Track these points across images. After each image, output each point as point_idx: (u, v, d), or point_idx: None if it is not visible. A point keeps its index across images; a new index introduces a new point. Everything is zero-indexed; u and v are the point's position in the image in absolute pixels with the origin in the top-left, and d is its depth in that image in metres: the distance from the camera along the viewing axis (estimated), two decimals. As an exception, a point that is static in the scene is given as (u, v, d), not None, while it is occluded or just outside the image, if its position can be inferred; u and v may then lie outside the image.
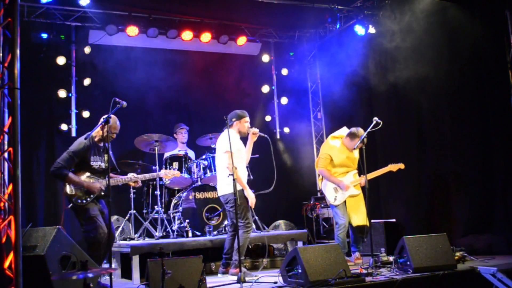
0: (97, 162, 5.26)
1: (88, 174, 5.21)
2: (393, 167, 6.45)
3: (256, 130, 5.73)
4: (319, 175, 6.77)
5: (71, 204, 5.10)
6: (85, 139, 5.16)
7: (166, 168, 6.90)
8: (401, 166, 6.47)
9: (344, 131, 6.55)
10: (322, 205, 8.53)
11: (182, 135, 7.68)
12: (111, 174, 5.36)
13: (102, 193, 5.25)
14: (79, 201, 5.09)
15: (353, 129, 6.38)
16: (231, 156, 5.18)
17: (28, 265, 3.97)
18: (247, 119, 5.78)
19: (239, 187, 5.52)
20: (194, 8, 8.03)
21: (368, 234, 6.09)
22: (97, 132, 5.28)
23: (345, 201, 6.36)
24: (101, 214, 5.20)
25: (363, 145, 5.83)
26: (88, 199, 5.13)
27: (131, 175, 5.51)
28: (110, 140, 5.18)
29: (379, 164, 8.07)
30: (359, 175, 6.43)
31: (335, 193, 6.40)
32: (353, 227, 6.31)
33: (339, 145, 6.47)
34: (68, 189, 5.10)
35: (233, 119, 5.72)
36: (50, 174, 5.13)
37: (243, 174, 5.64)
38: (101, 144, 5.35)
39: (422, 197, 7.48)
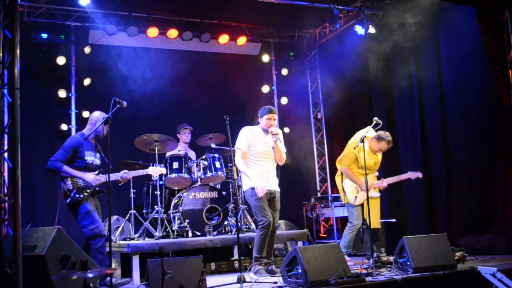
0: (90, 157, 5.35)
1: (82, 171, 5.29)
2: (412, 175, 6.29)
3: (274, 129, 5.49)
4: (338, 172, 6.57)
5: (69, 199, 5.17)
6: (79, 135, 5.32)
7: (166, 168, 6.90)
8: (419, 175, 6.31)
9: (369, 131, 6.16)
10: (322, 205, 8.53)
11: (186, 135, 7.68)
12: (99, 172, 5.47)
13: (97, 188, 5.34)
14: (77, 195, 5.18)
15: (381, 132, 6.18)
16: (234, 154, 5.36)
17: (28, 265, 3.97)
18: (268, 116, 5.53)
19: (247, 186, 5.51)
20: (194, 8, 8.03)
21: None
22: (89, 130, 5.38)
23: (362, 203, 6.29)
24: (96, 210, 5.32)
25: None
26: (86, 193, 5.23)
27: (121, 172, 5.55)
28: (101, 139, 5.43)
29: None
30: (378, 179, 6.36)
31: (356, 193, 6.27)
32: (370, 229, 6.21)
33: (367, 147, 6.20)
34: (66, 184, 5.19)
35: (258, 115, 5.66)
36: (46, 169, 5.24)
37: (259, 172, 5.51)
38: (94, 142, 5.46)
39: (422, 197, 7.48)
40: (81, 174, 5.23)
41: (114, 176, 5.43)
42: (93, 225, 5.12)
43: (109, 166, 4.90)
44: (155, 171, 6.07)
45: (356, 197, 6.22)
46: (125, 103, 4.98)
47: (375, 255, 5.61)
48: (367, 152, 6.11)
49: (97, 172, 5.38)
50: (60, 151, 5.25)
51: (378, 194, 6.24)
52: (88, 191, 5.25)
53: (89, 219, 5.16)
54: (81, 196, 5.20)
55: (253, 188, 5.43)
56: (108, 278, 5.09)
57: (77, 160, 5.28)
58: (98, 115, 5.45)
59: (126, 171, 5.61)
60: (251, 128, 5.63)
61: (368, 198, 5.66)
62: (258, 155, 5.53)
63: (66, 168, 5.19)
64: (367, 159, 5.97)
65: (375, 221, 6.12)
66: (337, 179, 6.52)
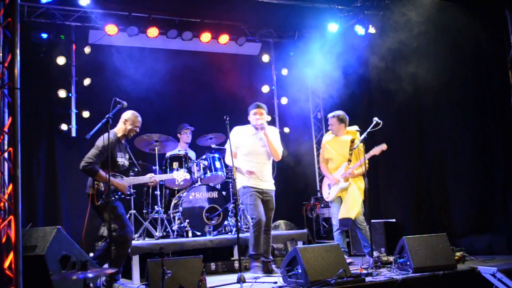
0: (122, 159, 5.28)
1: (112, 172, 5.16)
2: (376, 150, 6.14)
3: (259, 122, 5.64)
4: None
5: (101, 201, 5.03)
6: (112, 135, 5.14)
7: (166, 168, 6.92)
8: (383, 147, 6.13)
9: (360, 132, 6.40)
10: (322, 205, 8.53)
11: (187, 135, 7.67)
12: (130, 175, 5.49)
13: (128, 192, 5.29)
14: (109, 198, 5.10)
15: (341, 113, 6.38)
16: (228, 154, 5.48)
17: (28, 265, 3.97)
18: (255, 111, 5.73)
19: (240, 185, 5.56)
20: (194, 8, 8.02)
21: (364, 232, 6.09)
22: (119, 129, 5.33)
23: (341, 199, 6.28)
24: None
25: (363, 144, 5.78)
26: (117, 196, 5.18)
27: (149, 176, 5.52)
28: (133, 134, 5.42)
29: (378, 163, 8.10)
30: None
31: (328, 188, 6.36)
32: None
33: (330, 138, 6.42)
34: (100, 185, 5.07)
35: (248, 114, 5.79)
36: (81, 170, 5.02)
37: (246, 168, 5.58)
38: (123, 141, 5.40)
39: (422, 197, 7.48)
40: (116, 183, 5.10)
41: (142, 179, 5.43)
42: (123, 231, 4.99)
43: (109, 166, 4.89)
44: (180, 176, 6.04)
45: (329, 193, 6.27)
46: (125, 103, 4.99)
47: (374, 254, 5.62)
48: (330, 142, 6.30)
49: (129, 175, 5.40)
50: (96, 151, 5.06)
51: (346, 184, 6.20)
52: (120, 193, 5.20)
53: (120, 223, 5.04)
54: (113, 198, 5.12)
55: (244, 187, 5.54)
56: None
57: (109, 161, 5.14)
58: (130, 114, 5.40)
59: (152, 175, 5.58)
60: (240, 128, 5.72)
61: (365, 195, 5.68)
62: (248, 154, 5.58)
63: (102, 172, 5.00)
64: (330, 150, 6.26)
65: (343, 211, 6.08)
66: None
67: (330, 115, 6.51)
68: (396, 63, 7.95)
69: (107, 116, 5.00)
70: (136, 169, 5.65)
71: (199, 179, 6.96)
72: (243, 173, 5.60)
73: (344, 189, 6.21)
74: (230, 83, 8.91)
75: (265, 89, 9.44)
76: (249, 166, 5.59)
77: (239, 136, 5.66)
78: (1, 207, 3.89)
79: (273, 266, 5.54)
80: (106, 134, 5.07)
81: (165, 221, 6.74)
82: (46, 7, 7.37)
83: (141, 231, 6.56)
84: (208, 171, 6.98)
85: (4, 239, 3.80)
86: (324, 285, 4.36)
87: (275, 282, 4.86)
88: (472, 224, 6.74)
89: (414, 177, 7.62)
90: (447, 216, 7.10)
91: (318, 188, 9.57)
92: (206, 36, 8.32)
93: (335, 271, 4.47)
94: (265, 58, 9.36)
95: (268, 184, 5.71)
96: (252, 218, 5.45)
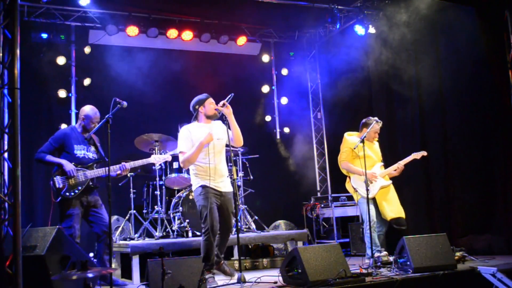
0: (81, 151, 5.30)
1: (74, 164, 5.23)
2: (417, 155, 6.20)
3: (223, 101, 5.02)
4: (347, 179, 6.46)
5: (59, 198, 5.11)
6: (68, 128, 5.34)
7: (166, 168, 6.91)
8: (424, 153, 6.22)
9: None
10: (322, 205, 8.53)
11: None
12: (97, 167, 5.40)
13: (91, 184, 5.26)
14: (67, 194, 5.11)
15: (364, 120, 6.21)
16: (234, 154, 4.98)
17: (28, 265, 3.97)
18: (210, 100, 5.19)
19: (197, 185, 5.08)
20: (194, 8, 8.03)
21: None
22: (79, 124, 5.44)
23: (374, 197, 6.15)
24: (88, 208, 5.23)
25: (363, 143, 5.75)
26: (76, 191, 5.15)
27: (119, 165, 5.38)
28: (92, 129, 5.34)
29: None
30: (385, 167, 6.32)
31: (365, 186, 6.22)
32: (387, 222, 6.09)
33: (360, 140, 6.31)
34: (57, 182, 5.12)
35: (197, 107, 5.19)
36: (34, 159, 5.34)
37: (204, 172, 5.05)
38: (86, 135, 5.38)
39: (422, 197, 7.48)
40: (64, 163, 5.13)
41: (112, 170, 5.15)
42: (69, 231, 5.00)
43: (109, 166, 4.89)
44: (158, 159, 5.78)
45: (368, 189, 6.17)
46: (125, 104, 4.96)
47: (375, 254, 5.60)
48: (368, 144, 6.11)
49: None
50: (46, 143, 5.33)
51: (389, 182, 6.18)
52: (80, 188, 5.17)
53: (67, 223, 5.07)
54: (72, 194, 5.12)
55: (201, 186, 5.03)
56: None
57: (64, 153, 5.26)
58: (88, 109, 5.42)
59: (124, 163, 5.42)
60: (188, 126, 5.22)
61: (367, 195, 5.65)
62: (202, 151, 5.03)
63: (48, 157, 5.21)
64: (368, 153, 6.05)
65: (398, 210, 6.04)
66: (347, 185, 6.37)
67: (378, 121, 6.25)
68: (396, 62, 7.95)
69: (107, 116, 4.99)
70: (106, 162, 5.52)
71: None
72: (197, 173, 5.08)
73: (384, 187, 6.18)
74: (230, 83, 8.90)
75: (265, 89, 9.45)
76: (203, 163, 5.05)
77: (192, 134, 5.07)
78: (1, 207, 3.88)
79: (225, 265, 5.17)
80: (62, 129, 5.42)
81: (165, 221, 6.74)
82: (46, 7, 7.38)
83: (141, 231, 6.55)
84: (208, 171, 6.95)
85: (4, 239, 3.80)
86: (324, 285, 4.36)
87: (275, 282, 4.85)
88: (472, 224, 6.74)
89: (414, 177, 7.62)
90: (447, 216, 7.10)
91: (318, 188, 9.57)
92: (206, 36, 8.32)
93: (335, 271, 4.47)
94: (265, 58, 9.36)
95: (226, 185, 5.09)
96: (202, 224, 4.96)
